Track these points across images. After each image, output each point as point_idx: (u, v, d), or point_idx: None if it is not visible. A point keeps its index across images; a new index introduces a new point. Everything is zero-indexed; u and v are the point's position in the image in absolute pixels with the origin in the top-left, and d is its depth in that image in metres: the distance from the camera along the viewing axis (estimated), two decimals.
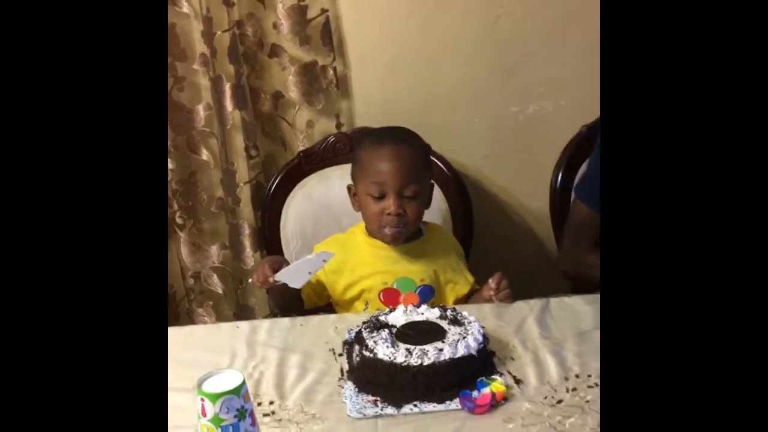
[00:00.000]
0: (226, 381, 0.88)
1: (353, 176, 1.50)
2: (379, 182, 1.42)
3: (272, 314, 1.83)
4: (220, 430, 0.86)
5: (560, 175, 1.74)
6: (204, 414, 0.86)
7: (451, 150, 1.82)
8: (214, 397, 0.86)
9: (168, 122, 1.75)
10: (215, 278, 1.90)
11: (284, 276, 1.30)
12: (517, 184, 1.90)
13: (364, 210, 1.47)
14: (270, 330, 1.34)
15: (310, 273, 1.32)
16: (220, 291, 1.91)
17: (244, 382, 0.88)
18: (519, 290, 1.40)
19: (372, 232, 1.49)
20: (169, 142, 1.77)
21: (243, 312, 1.92)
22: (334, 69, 1.77)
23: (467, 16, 1.79)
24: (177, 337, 1.32)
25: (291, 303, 1.48)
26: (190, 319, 1.93)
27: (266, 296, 1.83)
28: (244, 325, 1.36)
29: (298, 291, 1.42)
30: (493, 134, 1.87)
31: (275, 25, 1.73)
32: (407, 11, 1.77)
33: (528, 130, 1.86)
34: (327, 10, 1.73)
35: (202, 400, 0.86)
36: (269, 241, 1.79)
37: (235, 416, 0.86)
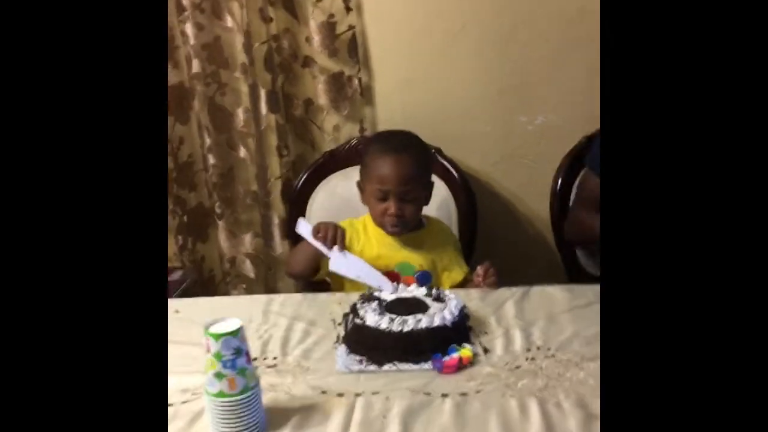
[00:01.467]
0: (228, 326, 1.08)
1: (361, 176, 1.69)
2: (382, 188, 1.62)
3: None
4: (220, 363, 1.06)
5: (560, 181, 1.90)
6: (209, 350, 1.07)
7: (462, 156, 2.00)
8: (217, 337, 1.06)
9: (211, 123, 1.99)
10: (248, 263, 2.12)
11: (337, 260, 1.55)
12: (522, 188, 2.07)
13: (369, 207, 1.67)
14: (283, 302, 1.54)
15: (358, 277, 1.55)
16: (252, 275, 2.13)
17: (241, 328, 1.08)
18: (515, 284, 1.55)
19: (377, 224, 1.69)
20: (211, 140, 2.00)
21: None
22: (359, 79, 1.98)
23: (481, 36, 1.97)
24: (208, 304, 1.59)
25: (309, 268, 1.67)
26: None
27: (292, 282, 2.04)
28: (262, 298, 1.58)
29: (318, 261, 1.63)
30: (502, 142, 2.04)
31: (307, 39, 1.95)
32: (427, 29, 1.96)
33: (534, 140, 2.03)
34: (354, 27, 1.94)
35: (207, 339, 1.07)
36: (296, 232, 1.99)
37: (233, 354, 1.06)
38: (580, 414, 1.10)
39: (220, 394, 1.07)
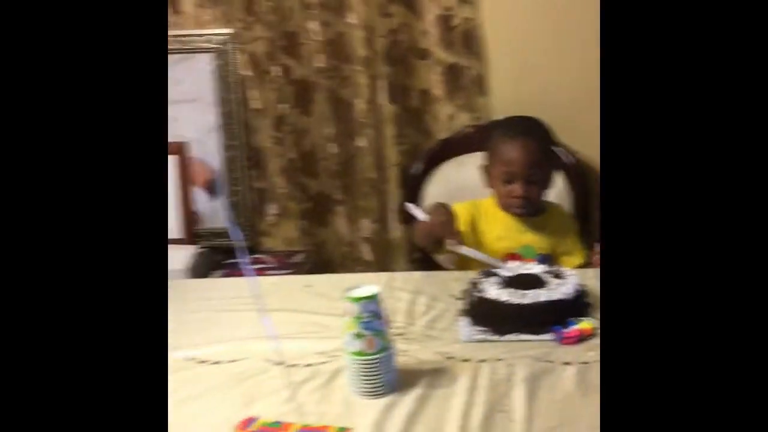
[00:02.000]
0: (366, 291, 1.19)
1: (487, 159, 1.76)
2: (509, 170, 1.69)
3: None
4: (360, 325, 1.16)
5: None
6: (349, 314, 1.18)
7: (574, 142, 2.03)
8: (357, 300, 1.16)
9: (332, 114, 2.12)
10: (365, 247, 2.24)
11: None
12: None
13: (495, 189, 1.74)
14: (405, 279, 1.64)
15: (475, 256, 1.61)
16: (369, 258, 2.24)
17: (378, 293, 1.18)
18: None
19: (502, 207, 1.76)
20: (333, 130, 2.13)
21: None
22: (474, 70, 2.05)
23: (590, 27, 1.99)
24: (336, 280, 1.71)
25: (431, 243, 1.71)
26: None
27: (408, 266, 2.14)
28: (384, 275, 1.69)
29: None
30: None
31: (424, 33, 2.05)
32: (538, 23, 2.02)
33: None
34: (469, 19, 2.01)
35: (348, 303, 1.17)
36: (411, 218, 2.09)
37: (370, 316, 1.17)
38: None
39: (360, 353, 1.17)
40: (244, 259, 1.20)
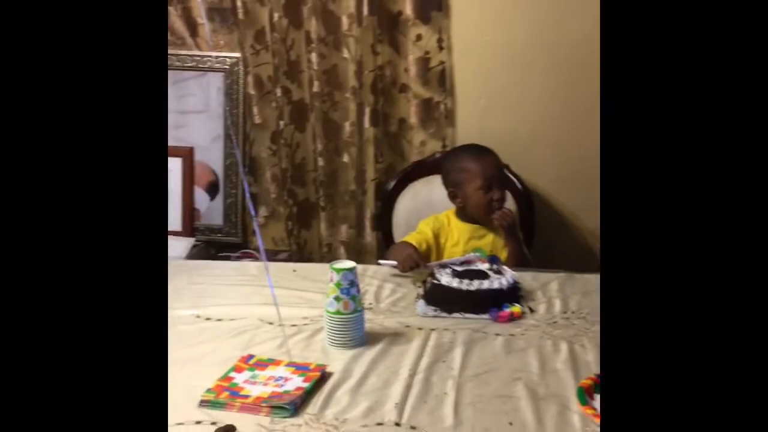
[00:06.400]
0: (345, 265, 1.52)
1: (457, 184, 2.07)
2: (486, 176, 2.03)
3: None
4: (339, 290, 1.50)
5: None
6: (332, 280, 1.51)
7: (528, 173, 2.40)
8: (338, 270, 1.50)
9: (323, 133, 2.47)
10: (342, 249, 2.57)
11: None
12: (576, 205, 2.46)
13: (475, 205, 2.06)
14: (375, 270, 1.98)
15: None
16: (344, 259, 2.57)
17: (355, 267, 1.52)
18: None
19: (474, 219, 2.10)
20: (322, 147, 2.48)
21: None
22: (445, 105, 2.42)
23: (548, 74, 2.39)
24: (317, 267, 2.04)
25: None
26: None
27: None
28: (358, 266, 2.01)
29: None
30: (562, 164, 2.44)
31: (406, 70, 2.42)
32: (504, 67, 2.40)
33: (591, 164, 2.41)
34: (444, 62, 2.39)
35: (332, 272, 1.51)
36: (384, 225, 2.44)
37: (348, 284, 1.50)
38: (598, 352, 1.48)
39: (337, 312, 1.51)
40: (259, 240, 1.51)
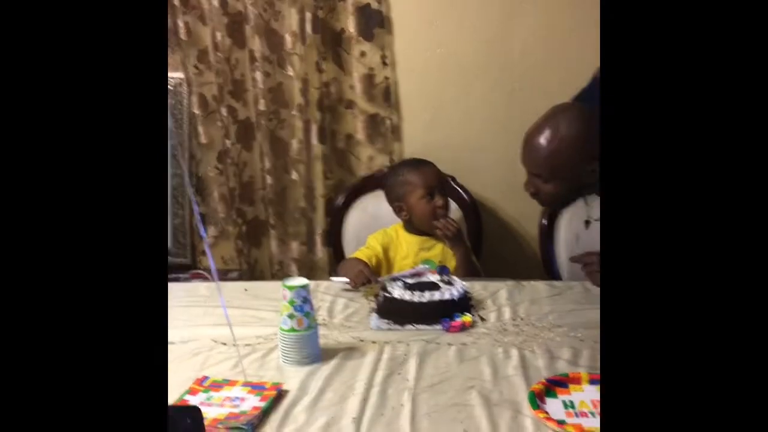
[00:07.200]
0: (299, 282, 1.53)
1: (400, 196, 2.13)
2: (428, 185, 2.10)
3: None
4: (293, 307, 1.51)
5: (548, 211, 2.35)
6: (285, 298, 1.52)
7: (473, 184, 2.46)
8: (291, 288, 1.51)
9: (270, 151, 2.47)
10: (293, 266, 2.58)
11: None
12: (520, 214, 2.52)
13: (419, 215, 2.11)
14: (327, 286, 1.99)
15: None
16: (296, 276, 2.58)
17: (308, 284, 1.53)
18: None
19: (422, 230, 2.14)
20: (270, 165, 2.49)
21: None
22: (391, 120, 2.46)
23: (490, 88, 2.46)
24: (268, 285, 2.04)
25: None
26: None
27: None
28: (311, 283, 2.02)
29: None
30: (507, 175, 2.49)
31: (351, 87, 2.44)
32: (448, 81, 2.46)
33: None
34: (388, 78, 2.43)
35: (285, 290, 1.52)
36: (334, 240, 2.46)
37: (302, 301, 1.51)
38: (547, 357, 1.52)
39: (291, 330, 1.51)
40: (210, 260, 1.49)
